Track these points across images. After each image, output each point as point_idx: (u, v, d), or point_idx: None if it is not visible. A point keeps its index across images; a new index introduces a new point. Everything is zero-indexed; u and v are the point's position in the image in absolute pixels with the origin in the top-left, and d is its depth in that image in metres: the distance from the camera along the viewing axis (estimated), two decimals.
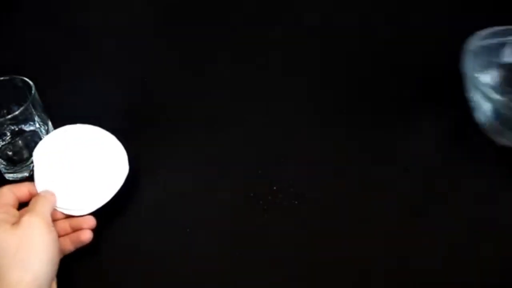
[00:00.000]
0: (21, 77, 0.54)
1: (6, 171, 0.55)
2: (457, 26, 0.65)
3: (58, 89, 0.67)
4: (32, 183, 0.50)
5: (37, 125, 0.55)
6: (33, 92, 0.52)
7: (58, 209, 0.49)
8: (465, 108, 0.65)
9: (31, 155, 0.55)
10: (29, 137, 0.56)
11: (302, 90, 0.65)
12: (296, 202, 0.51)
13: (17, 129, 0.55)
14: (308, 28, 0.77)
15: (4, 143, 0.55)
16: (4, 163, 0.55)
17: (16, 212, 0.46)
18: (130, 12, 0.83)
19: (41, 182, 0.50)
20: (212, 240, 0.50)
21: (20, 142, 0.56)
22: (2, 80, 0.54)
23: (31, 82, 0.53)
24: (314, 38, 0.75)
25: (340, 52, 0.73)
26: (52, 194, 0.49)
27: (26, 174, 0.56)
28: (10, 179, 0.56)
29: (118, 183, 0.51)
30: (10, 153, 0.55)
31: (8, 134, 0.55)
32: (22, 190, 0.48)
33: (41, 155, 0.51)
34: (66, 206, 0.49)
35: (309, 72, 0.69)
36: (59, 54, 0.74)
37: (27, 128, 0.55)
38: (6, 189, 0.47)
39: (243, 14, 0.82)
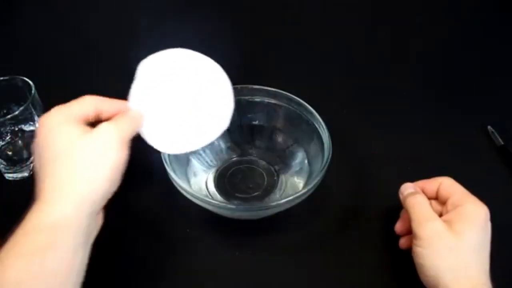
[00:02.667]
0: (21, 77, 0.54)
1: (6, 171, 0.55)
2: None
3: (58, 89, 0.66)
4: (124, 102, 0.44)
5: (37, 125, 0.55)
6: (33, 92, 0.52)
7: (142, 135, 0.43)
8: (466, 108, 0.65)
9: (31, 155, 0.55)
10: (29, 137, 0.56)
11: None
12: None
13: (17, 129, 0.54)
14: None
15: (4, 143, 0.55)
16: (4, 163, 0.55)
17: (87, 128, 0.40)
18: (130, 12, 0.83)
19: (135, 100, 0.44)
20: None
21: (20, 142, 0.56)
22: (2, 80, 0.54)
23: (31, 82, 0.53)
24: None
25: None
26: (141, 117, 0.43)
27: (26, 174, 0.56)
28: (10, 179, 0.56)
29: (219, 127, 0.46)
30: (10, 153, 0.55)
31: (8, 134, 0.54)
32: (108, 105, 0.42)
33: (146, 71, 0.45)
34: (152, 137, 0.44)
35: None
36: (59, 54, 0.74)
37: (27, 128, 0.55)
38: (89, 100, 0.41)
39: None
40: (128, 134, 0.40)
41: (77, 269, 0.35)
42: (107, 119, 0.41)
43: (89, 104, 0.41)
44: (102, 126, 0.39)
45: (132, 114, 0.43)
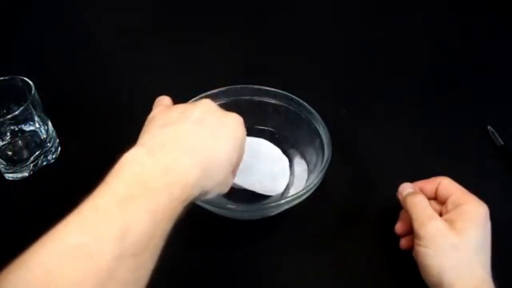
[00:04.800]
0: (21, 77, 0.54)
1: (6, 171, 0.55)
2: None
3: (58, 89, 0.67)
4: None
5: (37, 125, 0.55)
6: (33, 92, 0.52)
7: None
8: (465, 108, 0.65)
9: (31, 155, 0.55)
10: (29, 137, 0.56)
11: None
12: None
13: (17, 129, 0.55)
14: None
15: (4, 143, 0.55)
16: (4, 163, 0.55)
17: None
18: (131, 12, 0.83)
19: None
20: None
21: (20, 142, 0.56)
22: (2, 80, 0.54)
23: (31, 82, 0.53)
24: None
25: None
26: None
27: (26, 174, 0.56)
28: (10, 179, 0.56)
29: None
30: (10, 153, 0.55)
31: (8, 134, 0.54)
32: None
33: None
34: None
35: None
36: (59, 54, 0.74)
37: (27, 128, 0.55)
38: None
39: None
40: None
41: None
42: None
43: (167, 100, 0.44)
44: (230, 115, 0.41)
45: None
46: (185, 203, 0.34)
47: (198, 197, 0.37)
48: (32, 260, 0.27)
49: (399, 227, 0.48)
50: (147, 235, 0.30)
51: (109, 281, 0.28)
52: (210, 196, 0.39)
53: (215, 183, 0.37)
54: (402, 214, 0.48)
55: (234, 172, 0.42)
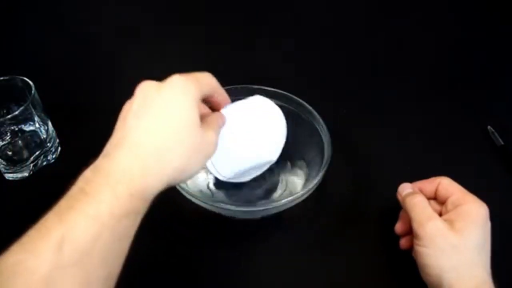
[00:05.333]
0: (21, 77, 0.54)
1: (6, 171, 0.55)
2: None
3: (58, 89, 0.67)
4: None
5: (37, 125, 0.55)
6: (33, 92, 0.52)
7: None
8: (465, 108, 0.65)
9: (31, 155, 0.55)
10: (29, 137, 0.56)
11: None
12: None
13: (17, 129, 0.55)
14: None
15: (4, 143, 0.55)
16: (4, 163, 0.55)
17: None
18: (131, 12, 0.83)
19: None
20: None
21: (20, 142, 0.56)
22: (2, 80, 0.54)
23: (31, 82, 0.53)
24: None
25: None
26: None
27: (26, 174, 0.56)
28: (10, 179, 0.56)
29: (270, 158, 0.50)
30: (10, 153, 0.55)
31: (8, 134, 0.54)
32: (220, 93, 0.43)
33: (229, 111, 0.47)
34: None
35: None
36: (59, 54, 0.74)
37: (27, 128, 0.55)
38: (210, 77, 0.42)
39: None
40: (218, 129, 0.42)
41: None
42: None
43: (209, 83, 0.42)
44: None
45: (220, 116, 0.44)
46: (142, 196, 0.33)
47: (175, 180, 0.36)
48: None
49: (398, 227, 0.48)
50: (89, 239, 0.30)
51: None
52: (194, 171, 0.38)
53: (181, 159, 0.36)
54: (401, 214, 0.48)
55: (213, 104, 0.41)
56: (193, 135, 0.37)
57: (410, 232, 0.45)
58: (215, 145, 0.40)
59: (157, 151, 0.35)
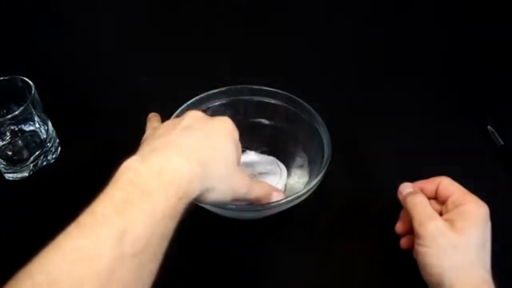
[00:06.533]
0: (21, 77, 0.54)
1: (6, 171, 0.55)
2: None
3: (58, 89, 0.67)
4: None
5: (37, 125, 0.55)
6: (33, 92, 0.52)
7: None
8: (465, 108, 0.65)
9: (31, 155, 0.55)
10: (29, 137, 0.56)
11: None
12: None
13: (17, 129, 0.55)
14: None
15: (4, 143, 0.55)
16: (4, 163, 0.55)
17: None
18: (131, 12, 0.83)
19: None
20: None
21: (20, 142, 0.56)
22: (2, 80, 0.54)
23: (31, 82, 0.53)
24: None
25: None
26: None
27: (26, 174, 0.56)
28: (10, 179, 0.56)
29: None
30: (10, 153, 0.55)
31: (8, 134, 0.54)
32: None
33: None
34: None
35: None
36: (59, 54, 0.74)
37: (27, 128, 0.55)
38: None
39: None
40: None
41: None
42: None
43: None
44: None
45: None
46: (185, 200, 0.34)
47: (202, 195, 0.37)
48: (34, 267, 0.27)
49: (399, 227, 0.48)
50: (145, 235, 0.30)
51: (109, 282, 0.28)
52: (219, 195, 0.39)
53: (218, 178, 0.38)
54: (402, 214, 0.48)
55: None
56: (231, 163, 0.39)
57: (410, 231, 0.45)
58: (246, 187, 0.42)
59: (203, 161, 0.36)
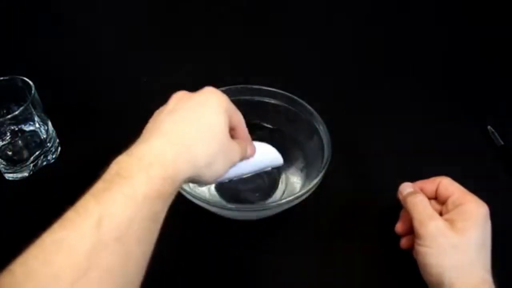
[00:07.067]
0: (21, 77, 0.54)
1: (6, 171, 0.55)
2: None
3: (58, 89, 0.67)
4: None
5: (37, 125, 0.55)
6: (33, 92, 0.52)
7: None
8: (465, 107, 0.65)
9: (31, 155, 0.55)
10: (29, 137, 0.56)
11: None
12: None
13: (17, 129, 0.55)
14: None
15: (4, 143, 0.55)
16: (4, 163, 0.55)
17: None
18: (131, 12, 0.83)
19: None
20: None
21: (20, 142, 0.56)
22: (2, 80, 0.54)
23: (31, 82, 0.53)
24: None
25: None
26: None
27: (26, 174, 0.56)
28: (10, 179, 0.56)
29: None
30: (10, 153, 0.55)
31: (8, 134, 0.54)
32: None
33: None
34: None
35: None
36: (59, 54, 0.74)
37: (27, 128, 0.55)
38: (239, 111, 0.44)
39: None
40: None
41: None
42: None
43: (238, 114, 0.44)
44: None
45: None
46: (172, 181, 0.34)
47: (201, 175, 0.37)
48: (15, 263, 0.28)
49: (399, 227, 0.48)
50: (127, 217, 0.30)
51: (90, 269, 0.28)
52: (218, 170, 0.39)
53: (211, 155, 0.38)
54: (402, 214, 0.48)
55: (235, 136, 0.43)
56: (221, 137, 0.39)
57: (410, 231, 0.45)
58: (240, 154, 0.42)
59: (188, 141, 0.36)
